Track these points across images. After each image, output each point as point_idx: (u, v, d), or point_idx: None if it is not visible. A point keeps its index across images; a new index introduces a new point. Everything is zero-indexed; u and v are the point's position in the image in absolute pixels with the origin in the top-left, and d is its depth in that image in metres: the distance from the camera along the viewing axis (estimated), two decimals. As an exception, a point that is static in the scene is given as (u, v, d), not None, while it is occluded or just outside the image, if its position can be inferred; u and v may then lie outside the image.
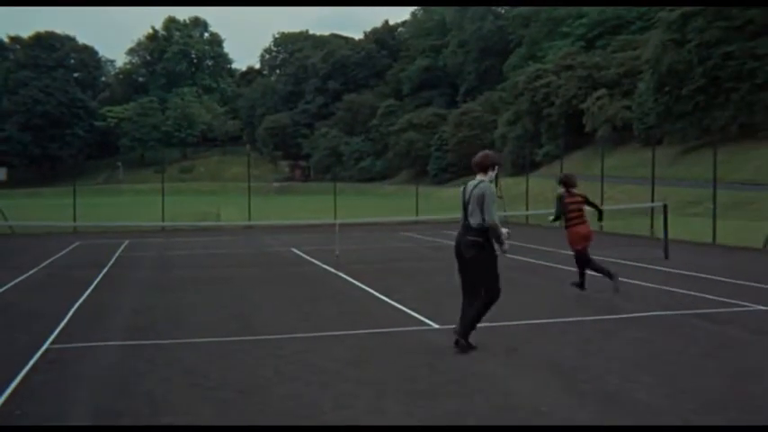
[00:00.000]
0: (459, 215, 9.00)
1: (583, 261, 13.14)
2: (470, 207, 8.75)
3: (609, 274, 12.95)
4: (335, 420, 6.44)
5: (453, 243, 9.12)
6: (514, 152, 69.33)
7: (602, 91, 61.25)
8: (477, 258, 8.73)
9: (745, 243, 21.70)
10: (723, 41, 47.03)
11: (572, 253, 13.38)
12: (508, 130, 74.93)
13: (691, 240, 22.99)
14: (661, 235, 19.62)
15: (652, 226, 24.82)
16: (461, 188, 9.12)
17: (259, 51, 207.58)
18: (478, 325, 8.98)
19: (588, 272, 13.19)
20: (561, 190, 13.37)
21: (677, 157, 49.26)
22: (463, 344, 8.70)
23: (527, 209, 34.91)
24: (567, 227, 13.32)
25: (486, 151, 9.32)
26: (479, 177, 8.97)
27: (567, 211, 13.26)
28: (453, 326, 9.12)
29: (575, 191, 13.35)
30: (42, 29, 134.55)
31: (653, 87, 52.60)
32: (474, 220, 8.70)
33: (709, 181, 25.39)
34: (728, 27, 46.86)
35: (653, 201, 26.49)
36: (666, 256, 18.41)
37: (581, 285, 13.23)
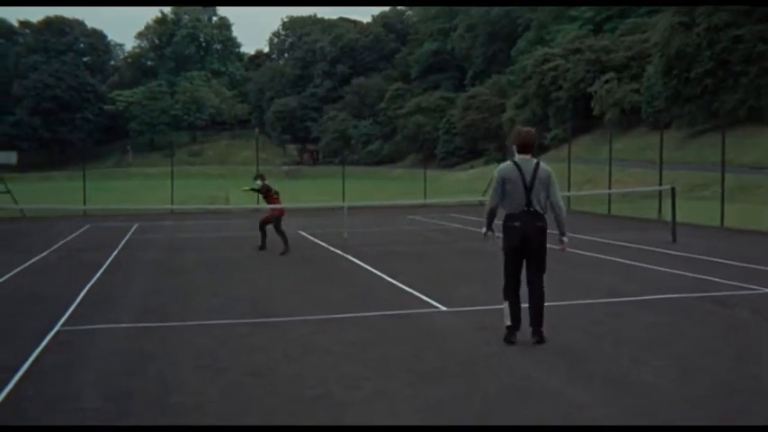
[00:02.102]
0: (481, 198, 8.75)
1: (273, 225, 18.27)
2: (535, 190, 8.07)
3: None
4: (343, 401, 6.48)
5: (516, 231, 8.17)
6: (522, 136, 69.13)
7: (611, 74, 60.94)
8: (544, 244, 8.27)
9: (752, 226, 21.68)
10: (732, 24, 46.73)
11: (578, 236, 13.43)
12: (516, 114, 74.67)
13: (698, 224, 22.97)
14: (669, 218, 19.61)
15: (660, 209, 24.79)
16: (510, 170, 8.21)
17: (267, 35, 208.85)
18: (488, 307, 8.99)
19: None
20: (259, 183, 18.30)
21: (685, 141, 49.08)
22: (543, 336, 8.26)
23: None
24: (271, 203, 18.48)
25: (527, 128, 8.57)
26: (529, 157, 8.25)
27: (272, 195, 18.31)
28: (461, 308, 9.12)
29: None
30: (52, 13, 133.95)
31: (661, 71, 52.30)
32: (540, 206, 8.11)
33: (717, 165, 25.32)
34: (737, 10, 46.58)
35: (661, 184, 26.44)
36: (674, 240, 18.41)
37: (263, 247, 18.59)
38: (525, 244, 8.17)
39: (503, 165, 8.47)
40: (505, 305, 8.34)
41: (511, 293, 8.33)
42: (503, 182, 8.22)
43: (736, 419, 5.96)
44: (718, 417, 6.03)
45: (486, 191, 31.13)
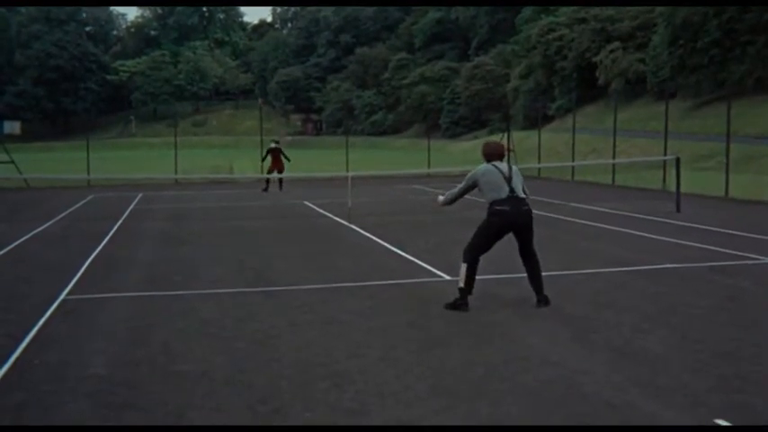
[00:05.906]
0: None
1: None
2: (514, 180, 8.74)
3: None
4: (348, 368, 6.52)
5: (505, 214, 8.68)
6: (527, 106, 68.97)
7: (616, 44, 60.64)
8: (532, 224, 8.85)
9: (756, 197, 21.64)
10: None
11: (582, 206, 13.45)
12: (520, 84, 74.46)
13: (703, 194, 22.93)
14: (673, 188, 19.59)
15: (664, 179, 24.76)
16: (490, 169, 8.83)
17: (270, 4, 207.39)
18: (492, 276, 9.02)
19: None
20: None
21: (691, 111, 48.89)
22: (545, 297, 8.73)
23: (539, 162, 34.89)
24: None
25: (494, 141, 9.77)
26: (500, 162, 9.02)
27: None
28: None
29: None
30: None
31: (667, 40, 51.98)
32: (522, 192, 8.75)
33: (723, 135, 25.23)
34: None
35: (665, 154, 26.40)
36: (678, 210, 18.40)
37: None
38: (514, 226, 8.71)
39: (480, 166, 8.97)
40: (464, 267, 8.68)
41: (474, 260, 8.72)
42: (474, 183, 8.92)
43: (736, 386, 5.99)
44: (717, 383, 6.06)
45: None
